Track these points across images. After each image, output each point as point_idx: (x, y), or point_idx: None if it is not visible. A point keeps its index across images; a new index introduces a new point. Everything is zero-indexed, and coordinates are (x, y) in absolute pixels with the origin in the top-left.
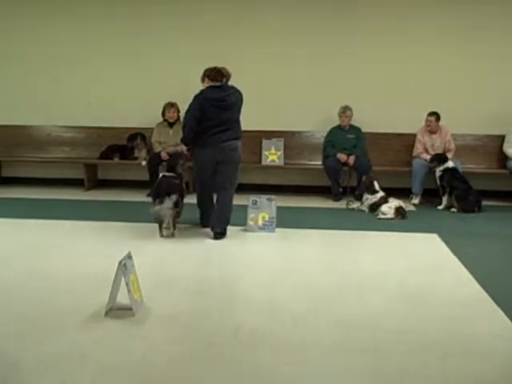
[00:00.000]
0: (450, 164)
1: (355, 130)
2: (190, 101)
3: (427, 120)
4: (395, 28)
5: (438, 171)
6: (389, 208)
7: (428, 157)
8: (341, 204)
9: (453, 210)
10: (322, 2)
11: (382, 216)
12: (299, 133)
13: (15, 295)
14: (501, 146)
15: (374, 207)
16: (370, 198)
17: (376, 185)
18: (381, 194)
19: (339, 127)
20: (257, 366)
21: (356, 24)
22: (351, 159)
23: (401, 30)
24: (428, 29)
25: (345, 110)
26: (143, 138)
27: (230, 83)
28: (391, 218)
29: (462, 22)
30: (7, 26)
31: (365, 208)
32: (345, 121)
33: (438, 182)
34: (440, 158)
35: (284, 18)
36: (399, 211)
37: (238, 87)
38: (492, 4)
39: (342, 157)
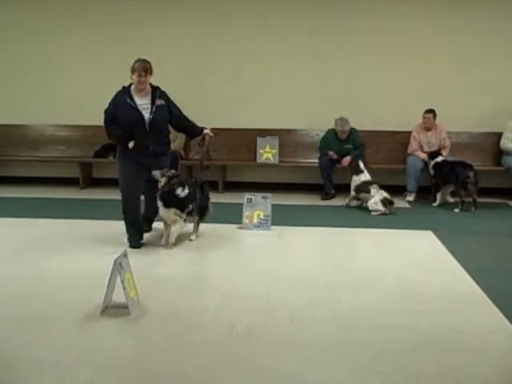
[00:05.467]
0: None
1: (353, 138)
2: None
3: (424, 117)
4: (390, 28)
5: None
6: (375, 203)
7: (422, 154)
8: (336, 201)
9: (450, 200)
10: (321, 4)
11: (375, 213)
12: (294, 131)
13: (10, 294)
14: (496, 144)
15: (358, 192)
16: (355, 180)
17: (361, 165)
18: (365, 175)
19: (336, 135)
20: (254, 363)
21: (353, 25)
22: (346, 160)
23: (396, 30)
24: (423, 29)
25: (343, 125)
26: None
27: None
28: (384, 213)
29: (458, 23)
30: None
31: (352, 192)
32: (342, 136)
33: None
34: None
35: (282, 17)
36: (385, 202)
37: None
38: (488, 6)
39: (332, 155)
